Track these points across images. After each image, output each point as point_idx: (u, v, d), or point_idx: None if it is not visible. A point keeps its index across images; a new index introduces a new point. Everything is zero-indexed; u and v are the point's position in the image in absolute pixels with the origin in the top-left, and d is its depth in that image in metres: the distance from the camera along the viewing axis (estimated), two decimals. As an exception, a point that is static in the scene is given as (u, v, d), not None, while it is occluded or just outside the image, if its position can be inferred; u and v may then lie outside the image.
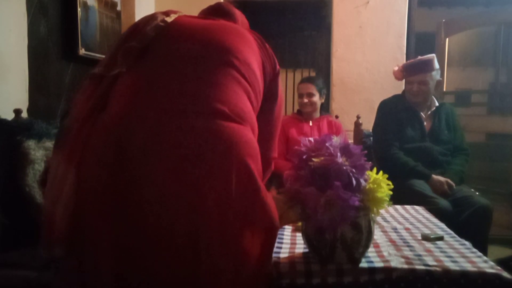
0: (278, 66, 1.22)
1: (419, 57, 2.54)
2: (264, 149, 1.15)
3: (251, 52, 1.11)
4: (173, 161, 0.93)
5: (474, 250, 1.29)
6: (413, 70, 2.52)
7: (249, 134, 1.03)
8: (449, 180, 2.36)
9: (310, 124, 2.89)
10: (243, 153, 0.98)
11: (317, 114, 2.93)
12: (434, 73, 2.50)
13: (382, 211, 1.60)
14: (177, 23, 1.12)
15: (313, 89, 2.85)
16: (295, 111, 3.10)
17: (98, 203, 0.94)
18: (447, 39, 3.89)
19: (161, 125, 0.95)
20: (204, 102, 0.99)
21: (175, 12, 1.17)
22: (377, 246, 1.28)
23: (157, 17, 1.13)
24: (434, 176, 2.37)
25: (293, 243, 1.35)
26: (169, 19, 1.12)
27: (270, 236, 1.05)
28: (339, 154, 1.10)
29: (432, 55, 2.54)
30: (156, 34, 1.08)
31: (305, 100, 2.85)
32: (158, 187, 0.92)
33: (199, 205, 0.93)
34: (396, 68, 2.65)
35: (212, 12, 1.27)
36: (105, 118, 0.99)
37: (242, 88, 1.06)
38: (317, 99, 2.86)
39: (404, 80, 2.65)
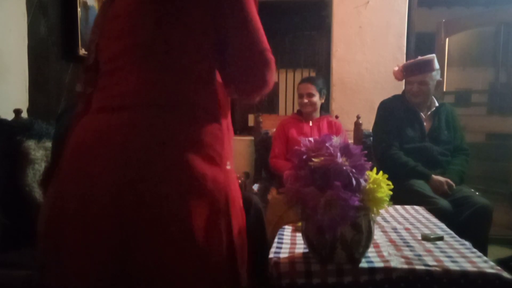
0: None
1: (419, 57, 2.55)
2: (254, 46, 0.98)
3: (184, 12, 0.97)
4: (114, 159, 0.92)
5: (474, 250, 1.29)
6: (413, 70, 2.52)
7: (182, 125, 0.95)
8: (449, 180, 2.36)
9: (310, 124, 2.90)
10: (180, 146, 0.93)
11: (317, 114, 2.93)
12: (434, 73, 2.50)
13: (382, 211, 1.60)
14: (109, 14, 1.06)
15: (313, 89, 2.85)
16: (295, 111, 3.10)
17: (68, 217, 0.94)
18: (447, 39, 3.89)
19: (102, 124, 0.95)
20: (138, 96, 0.95)
21: None
22: (377, 246, 1.28)
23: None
24: (434, 176, 2.37)
25: (293, 243, 1.35)
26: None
27: (214, 213, 0.95)
28: (339, 154, 1.10)
29: (432, 55, 2.54)
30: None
31: (305, 100, 2.85)
32: (103, 189, 0.91)
33: (133, 204, 0.89)
34: (396, 68, 2.65)
35: None
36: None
37: (178, 66, 0.97)
38: (317, 99, 2.86)
39: (404, 80, 2.65)
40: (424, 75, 2.48)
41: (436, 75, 2.53)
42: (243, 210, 1.06)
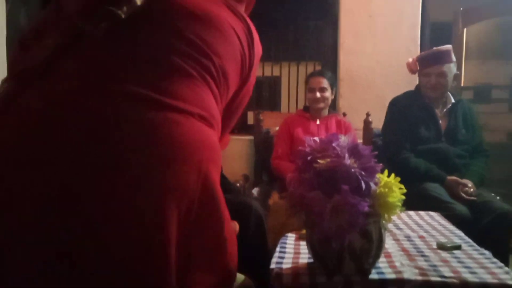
0: (252, 33, 1.09)
1: (435, 48, 2.55)
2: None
3: (229, 51, 1.04)
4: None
5: (495, 260, 1.29)
6: (430, 61, 2.52)
7: (216, 139, 0.97)
8: (469, 182, 2.35)
9: (318, 122, 2.89)
10: (206, 157, 0.89)
11: (325, 112, 2.93)
12: (452, 65, 2.52)
13: (394, 217, 1.60)
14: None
15: (325, 83, 2.84)
16: (301, 108, 3.10)
17: None
18: (465, 30, 3.89)
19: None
20: (174, 100, 0.90)
21: None
22: (388, 255, 1.28)
23: None
24: (449, 178, 2.37)
25: (297, 253, 1.35)
26: None
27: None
28: (347, 155, 1.10)
29: (449, 46, 2.56)
30: (144, 5, 0.97)
31: (318, 95, 2.82)
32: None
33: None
34: (410, 60, 2.65)
35: None
36: None
37: (213, 96, 0.99)
38: (329, 94, 2.86)
39: (418, 74, 2.66)
40: (442, 66, 2.49)
41: (454, 67, 2.54)
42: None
